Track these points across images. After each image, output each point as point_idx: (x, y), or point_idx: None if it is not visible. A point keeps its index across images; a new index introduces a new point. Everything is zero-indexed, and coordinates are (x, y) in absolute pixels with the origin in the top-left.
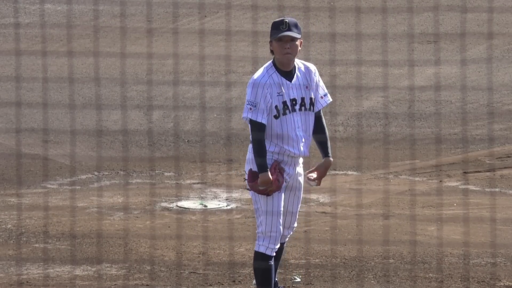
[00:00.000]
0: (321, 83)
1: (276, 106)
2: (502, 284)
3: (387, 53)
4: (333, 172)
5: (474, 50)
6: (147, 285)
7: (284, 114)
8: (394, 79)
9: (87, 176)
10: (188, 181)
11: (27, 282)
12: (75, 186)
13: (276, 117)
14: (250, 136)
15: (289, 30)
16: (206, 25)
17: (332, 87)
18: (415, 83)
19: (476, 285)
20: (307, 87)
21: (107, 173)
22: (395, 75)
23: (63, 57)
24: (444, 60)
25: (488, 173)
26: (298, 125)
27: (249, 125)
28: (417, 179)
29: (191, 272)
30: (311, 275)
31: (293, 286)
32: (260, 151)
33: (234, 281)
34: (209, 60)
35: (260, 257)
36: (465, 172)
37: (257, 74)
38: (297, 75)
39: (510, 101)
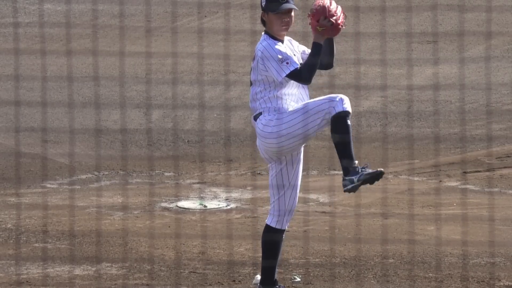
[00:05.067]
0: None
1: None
2: (501, 284)
3: (386, 53)
4: (332, 172)
5: (473, 50)
6: (147, 284)
7: None
8: (394, 79)
9: (86, 176)
10: (188, 181)
11: (27, 281)
12: (75, 186)
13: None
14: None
15: (288, 2)
16: (206, 25)
17: (331, 87)
18: (415, 83)
19: (476, 285)
20: (294, 55)
21: (106, 172)
22: (394, 75)
23: (62, 57)
24: (444, 60)
25: (487, 173)
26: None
27: (291, 78)
28: (416, 179)
29: (191, 272)
30: (311, 274)
31: (293, 286)
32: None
33: (234, 280)
34: (208, 60)
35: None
36: (464, 172)
37: (267, 41)
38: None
39: (509, 101)
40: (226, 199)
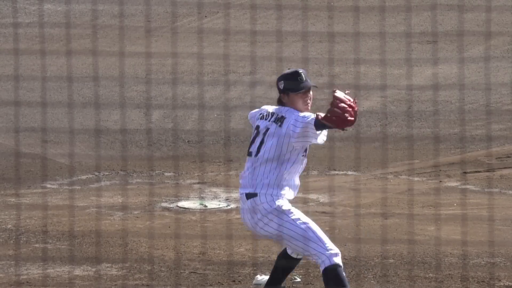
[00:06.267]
0: None
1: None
2: (501, 284)
3: (386, 53)
4: (332, 172)
5: (473, 50)
6: (147, 285)
7: (305, 156)
8: (394, 79)
9: (87, 176)
10: (188, 181)
11: (27, 282)
12: (75, 186)
13: (304, 156)
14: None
15: (307, 81)
16: (206, 25)
17: (331, 87)
18: (415, 83)
19: (476, 285)
20: None
21: (107, 173)
22: (394, 75)
23: (62, 57)
24: (444, 60)
25: (487, 173)
26: None
27: (315, 129)
28: (416, 179)
29: (191, 272)
30: (311, 275)
31: (293, 286)
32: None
33: (234, 281)
34: (208, 60)
35: (335, 269)
36: (464, 172)
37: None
38: None
39: (509, 101)
40: (226, 199)
